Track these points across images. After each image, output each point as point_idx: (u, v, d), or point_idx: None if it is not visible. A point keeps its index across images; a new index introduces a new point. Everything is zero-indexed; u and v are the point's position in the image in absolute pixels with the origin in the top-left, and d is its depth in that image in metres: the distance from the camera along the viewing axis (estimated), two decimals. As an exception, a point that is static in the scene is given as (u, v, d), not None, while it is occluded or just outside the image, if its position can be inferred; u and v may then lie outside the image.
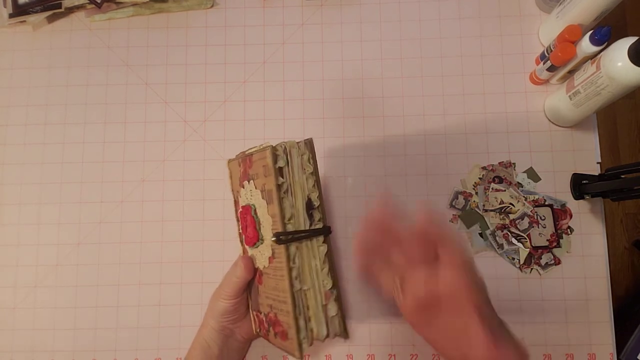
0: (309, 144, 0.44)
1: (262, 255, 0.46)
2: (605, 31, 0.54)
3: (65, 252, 0.63)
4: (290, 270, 0.42)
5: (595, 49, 0.55)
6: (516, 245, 0.61)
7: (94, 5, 0.67)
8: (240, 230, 0.48)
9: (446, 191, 0.64)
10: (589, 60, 0.55)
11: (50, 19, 0.69)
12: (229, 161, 0.50)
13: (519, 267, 0.61)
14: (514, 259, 0.61)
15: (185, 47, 0.68)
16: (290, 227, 0.43)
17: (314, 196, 0.44)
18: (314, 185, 0.45)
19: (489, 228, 0.62)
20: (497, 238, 0.61)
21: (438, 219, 0.41)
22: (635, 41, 0.47)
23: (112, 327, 0.62)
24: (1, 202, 0.65)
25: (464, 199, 0.63)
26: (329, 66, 0.67)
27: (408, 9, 0.69)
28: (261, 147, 0.44)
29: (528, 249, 0.61)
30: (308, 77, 0.67)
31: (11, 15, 0.67)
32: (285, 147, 0.42)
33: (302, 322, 0.42)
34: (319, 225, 0.44)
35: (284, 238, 0.42)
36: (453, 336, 0.41)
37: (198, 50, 0.68)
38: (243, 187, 0.46)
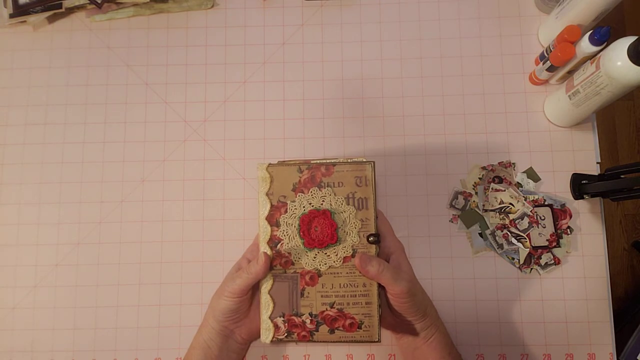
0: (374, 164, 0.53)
1: (330, 256, 0.52)
2: (604, 31, 0.55)
3: (65, 252, 0.63)
4: None
5: (595, 49, 0.56)
6: (516, 245, 0.61)
7: (94, 6, 0.67)
8: (300, 234, 0.51)
9: (446, 191, 0.64)
10: (589, 60, 0.55)
11: (51, 19, 0.69)
12: (269, 165, 0.52)
13: (519, 267, 0.61)
14: (513, 258, 0.61)
15: (185, 48, 0.68)
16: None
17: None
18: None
19: (488, 228, 0.62)
20: (496, 238, 0.62)
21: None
22: (635, 40, 0.48)
23: (112, 327, 0.62)
24: (1, 201, 0.65)
25: (463, 199, 0.63)
26: (329, 66, 0.67)
27: (408, 9, 0.69)
28: (348, 160, 0.52)
29: (528, 249, 0.61)
30: (308, 77, 0.67)
31: (12, 16, 0.67)
32: (372, 164, 0.52)
33: (379, 310, 0.52)
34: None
35: (377, 239, 0.51)
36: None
37: (198, 51, 0.68)
38: (303, 193, 0.52)
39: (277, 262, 0.52)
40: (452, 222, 0.63)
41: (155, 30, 0.69)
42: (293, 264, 0.52)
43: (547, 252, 0.61)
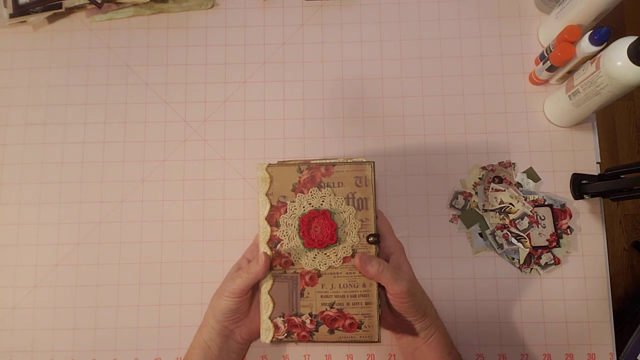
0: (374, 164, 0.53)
1: (330, 256, 0.52)
2: (604, 31, 0.55)
3: (65, 252, 0.63)
4: None
5: (595, 49, 0.56)
6: (516, 245, 0.61)
7: (94, 6, 0.67)
8: (300, 234, 0.51)
9: (446, 191, 0.64)
10: (589, 60, 0.55)
11: (51, 19, 0.69)
12: (269, 165, 0.52)
13: (519, 267, 0.61)
14: (513, 258, 0.61)
15: (185, 48, 0.68)
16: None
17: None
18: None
19: (488, 228, 0.62)
20: (497, 238, 0.62)
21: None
22: (635, 40, 0.48)
23: (112, 327, 0.62)
24: (1, 201, 0.65)
25: (463, 199, 0.63)
26: (329, 66, 0.67)
27: (408, 9, 0.69)
28: (348, 160, 0.52)
29: (528, 249, 0.61)
30: (308, 77, 0.67)
31: (12, 16, 0.67)
32: (372, 164, 0.52)
33: (379, 310, 0.52)
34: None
35: (377, 239, 0.51)
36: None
37: (198, 51, 0.68)
38: (303, 193, 0.52)
39: (277, 262, 0.52)
40: (452, 222, 0.63)
41: (155, 30, 0.69)
42: (293, 264, 0.52)
43: (547, 252, 0.61)
